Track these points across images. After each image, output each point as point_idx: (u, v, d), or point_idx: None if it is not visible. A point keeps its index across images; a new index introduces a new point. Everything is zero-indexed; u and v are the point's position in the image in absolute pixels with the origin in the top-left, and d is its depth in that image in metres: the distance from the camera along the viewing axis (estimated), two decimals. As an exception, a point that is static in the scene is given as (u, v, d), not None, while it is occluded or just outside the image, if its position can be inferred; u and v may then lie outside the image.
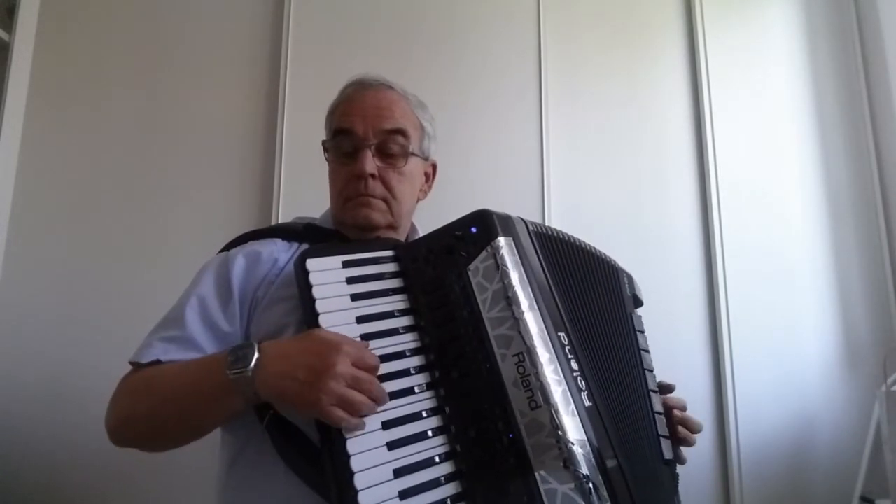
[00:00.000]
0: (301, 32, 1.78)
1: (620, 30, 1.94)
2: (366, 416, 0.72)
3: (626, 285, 1.01)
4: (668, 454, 0.90)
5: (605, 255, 1.00)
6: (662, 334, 1.67)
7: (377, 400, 0.74)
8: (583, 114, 1.87)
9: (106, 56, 1.76)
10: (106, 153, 1.70)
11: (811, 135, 1.96)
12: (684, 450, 0.96)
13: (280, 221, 1.51)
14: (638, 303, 1.03)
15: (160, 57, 1.77)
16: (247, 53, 1.79)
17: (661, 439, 0.90)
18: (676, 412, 0.96)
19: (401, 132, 1.01)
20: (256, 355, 0.75)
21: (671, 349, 1.71)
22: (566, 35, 1.90)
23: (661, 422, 0.92)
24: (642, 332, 1.00)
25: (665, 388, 0.99)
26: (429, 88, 1.75)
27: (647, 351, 0.97)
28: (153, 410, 0.83)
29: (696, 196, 1.86)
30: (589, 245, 0.97)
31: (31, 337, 1.58)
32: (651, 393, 0.93)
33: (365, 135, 0.99)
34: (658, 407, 0.93)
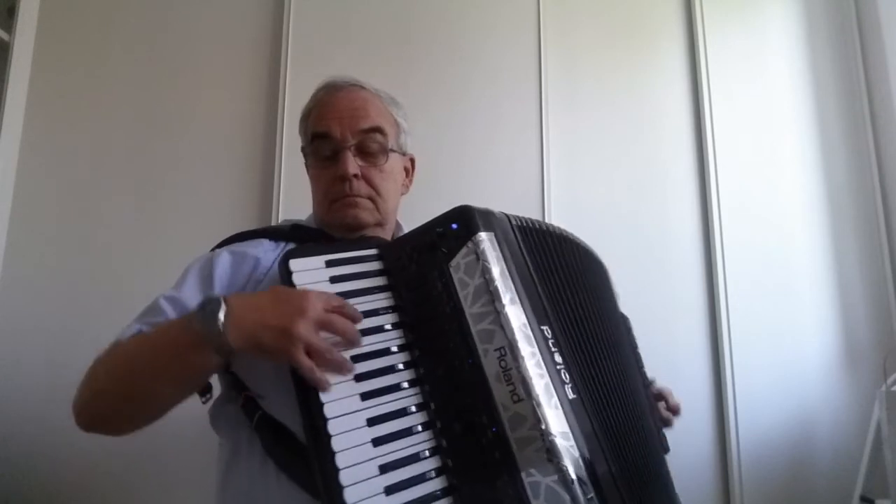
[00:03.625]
0: (301, 32, 1.79)
1: (621, 28, 1.94)
2: (337, 367, 0.74)
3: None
4: (665, 447, 0.90)
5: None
6: (662, 334, 1.68)
7: (351, 338, 0.76)
8: (583, 114, 1.86)
9: (106, 56, 1.77)
10: (106, 153, 1.71)
11: (811, 134, 1.95)
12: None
13: (280, 222, 1.52)
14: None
15: (160, 58, 1.78)
16: (247, 53, 1.80)
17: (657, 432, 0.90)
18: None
19: (378, 130, 1.02)
20: (224, 308, 0.74)
21: (671, 349, 1.71)
22: (566, 35, 1.89)
23: (655, 416, 0.92)
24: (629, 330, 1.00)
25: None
26: (429, 88, 1.79)
27: (636, 347, 0.97)
28: (123, 376, 0.82)
29: (697, 195, 1.86)
30: (581, 240, 0.97)
31: (30, 337, 1.58)
32: (645, 388, 0.93)
33: (343, 136, 1.00)
34: (652, 401, 0.94)
